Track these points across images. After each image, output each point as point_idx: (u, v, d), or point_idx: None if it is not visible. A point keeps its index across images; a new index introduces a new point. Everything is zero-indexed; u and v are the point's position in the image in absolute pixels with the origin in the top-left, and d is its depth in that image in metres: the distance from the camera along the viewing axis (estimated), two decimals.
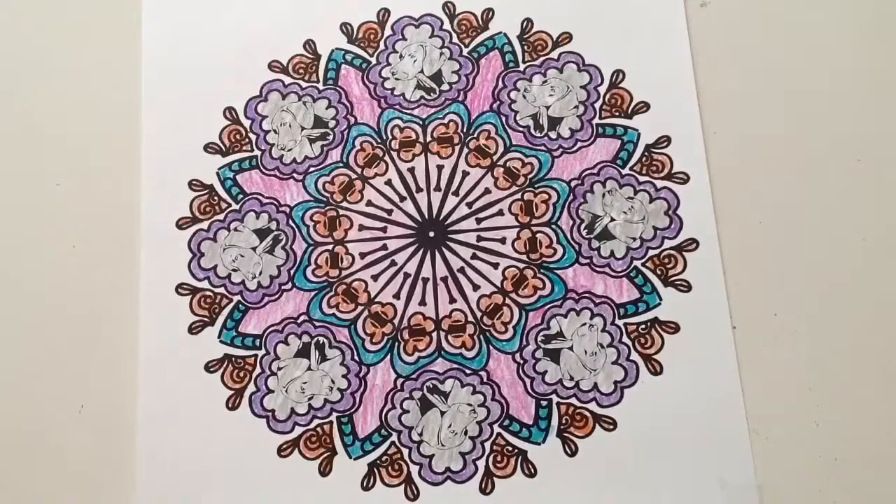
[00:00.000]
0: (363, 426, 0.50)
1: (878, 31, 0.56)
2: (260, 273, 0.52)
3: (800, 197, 0.52)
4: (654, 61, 0.55)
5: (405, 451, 0.49)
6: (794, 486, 0.48)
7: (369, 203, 0.53)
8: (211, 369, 0.51)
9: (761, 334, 0.50)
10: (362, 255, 0.53)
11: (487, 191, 0.53)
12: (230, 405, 0.50)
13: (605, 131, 0.54)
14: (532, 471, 0.49)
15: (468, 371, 0.50)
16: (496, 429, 0.49)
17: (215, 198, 0.54)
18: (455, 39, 0.56)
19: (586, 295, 0.51)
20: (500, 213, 0.53)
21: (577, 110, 0.54)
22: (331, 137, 0.55)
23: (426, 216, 0.53)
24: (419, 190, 0.54)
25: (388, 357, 0.51)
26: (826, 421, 0.49)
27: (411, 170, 0.54)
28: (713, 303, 0.50)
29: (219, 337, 0.51)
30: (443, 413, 0.50)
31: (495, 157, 0.54)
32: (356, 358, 0.51)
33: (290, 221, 0.53)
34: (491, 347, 0.51)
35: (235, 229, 0.53)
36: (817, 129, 0.54)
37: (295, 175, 0.54)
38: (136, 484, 0.49)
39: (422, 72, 0.56)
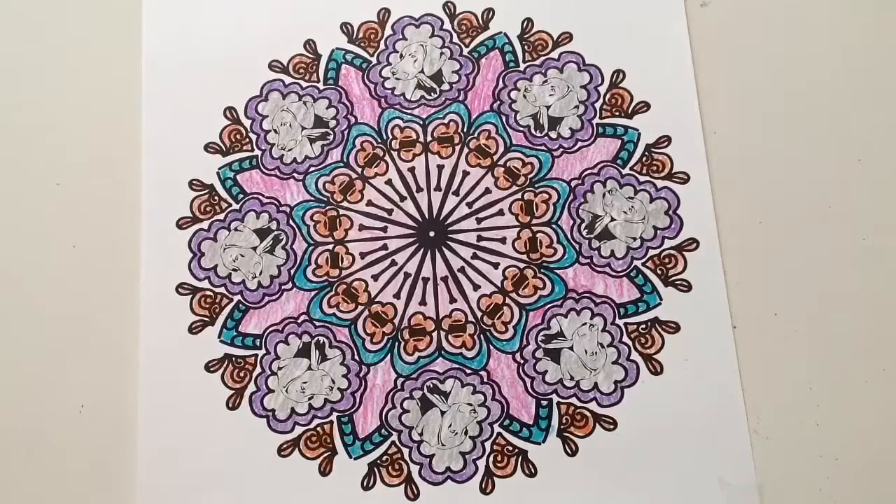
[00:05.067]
0: (363, 426, 0.50)
1: (878, 31, 0.56)
2: (260, 273, 0.52)
3: (800, 197, 0.52)
4: (655, 61, 0.55)
5: (405, 451, 0.49)
6: (794, 486, 0.48)
7: (369, 203, 0.53)
8: (211, 369, 0.51)
9: (761, 334, 0.50)
10: (362, 255, 0.53)
11: (488, 190, 0.53)
12: (230, 405, 0.50)
13: (605, 131, 0.54)
14: (532, 471, 0.49)
15: (468, 371, 0.50)
16: (496, 428, 0.49)
17: (215, 197, 0.54)
18: (455, 39, 0.56)
19: (586, 295, 0.51)
20: (501, 212, 0.53)
21: (578, 110, 0.54)
22: (331, 137, 0.55)
23: (426, 216, 0.53)
24: (419, 190, 0.54)
25: (389, 357, 0.51)
26: (826, 421, 0.49)
27: (412, 169, 0.54)
28: (713, 303, 0.50)
29: (219, 337, 0.51)
30: (443, 413, 0.50)
31: (496, 157, 0.54)
32: (356, 357, 0.51)
33: (291, 221, 0.53)
34: (491, 347, 0.51)
35: (236, 229, 0.53)
36: (817, 129, 0.54)
37: (295, 175, 0.54)
38: (136, 484, 0.49)
39: (422, 71, 0.56)
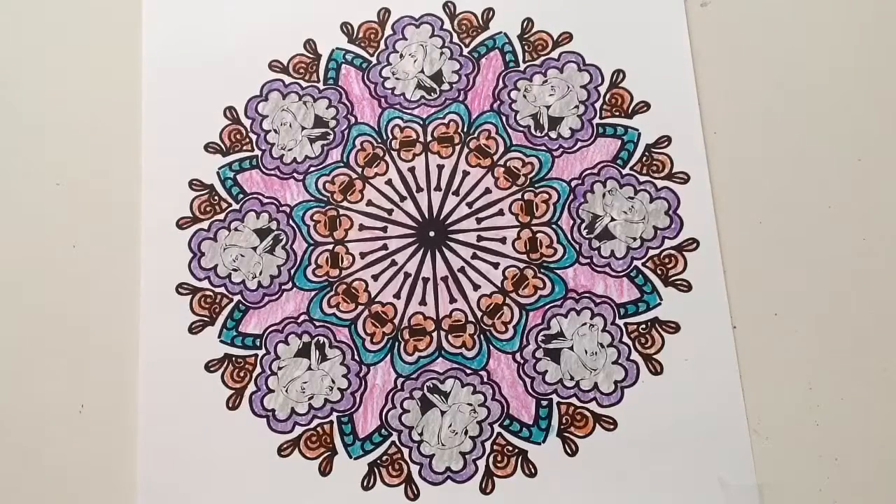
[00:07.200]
0: (363, 426, 0.50)
1: (879, 30, 0.56)
2: (260, 273, 0.52)
3: (800, 197, 0.52)
4: (655, 61, 0.55)
5: (405, 451, 0.49)
6: (794, 486, 0.48)
7: (370, 203, 0.53)
8: (211, 369, 0.51)
9: (761, 334, 0.50)
10: (362, 255, 0.53)
11: (488, 190, 0.53)
12: (230, 405, 0.50)
13: (605, 131, 0.54)
14: (532, 471, 0.49)
15: (468, 371, 0.50)
16: (496, 428, 0.49)
17: (215, 197, 0.54)
18: (455, 39, 0.56)
19: (586, 295, 0.51)
20: (501, 212, 0.53)
21: (578, 110, 0.54)
22: (331, 137, 0.55)
23: (426, 216, 0.53)
24: (419, 190, 0.54)
25: (389, 357, 0.51)
26: (826, 421, 0.49)
27: (412, 169, 0.54)
28: (713, 303, 0.51)
29: (219, 337, 0.51)
30: (443, 413, 0.50)
31: (496, 157, 0.54)
32: (356, 357, 0.51)
33: (291, 221, 0.53)
34: (491, 347, 0.51)
35: (236, 229, 0.53)
36: (817, 129, 0.54)
37: (295, 175, 0.54)
38: (136, 484, 0.49)
39: (422, 71, 0.56)
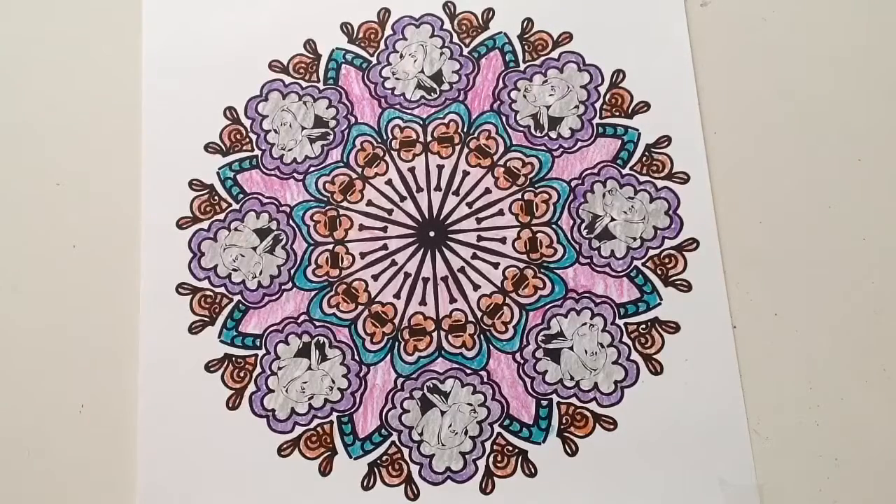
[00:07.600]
0: (363, 426, 0.50)
1: (879, 30, 0.56)
2: (260, 273, 0.52)
3: (800, 197, 0.52)
4: (655, 61, 0.55)
5: (405, 451, 0.49)
6: (794, 486, 0.48)
7: (370, 203, 0.53)
8: (211, 369, 0.51)
9: (761, 334, 0.50)
10: (362, 255, 0.53)
11: (488, 190, 0.53)
12: (230, 405, 0.50)
13: (605, 131, 0.54)
14: (532, 471, 0.49)
15: (468, 371, 0.50)
16: (496, 428, 0.49)
17: (215, 197, 0.54)
18: (455, 39, 0.56)
19: (586, 295, 0.51)
20: (501, 212, 0.53)
21: (578, 110, 0.54)
22: (331, 137, 0.55)
23: (426, 216, 0.53)
24: (419, 190, 0.54)
25: (389, 357, 0.51)
26: (826, 421, 0.49)
27: (412, 169, 0.54)
28: (713, 303, 0.51)
29: (219, 337, 0.51)
30: (443, 413, 0.50)
31: (496, 157, 0.54)
32: (356, 357, 0.51)
33: (291, 221, 0.53)
34: (491, 347, 0.51)
35: (236, 229, 0.53)
36: (817, 129, 0.54)
37: (295, 175, 0.54)
38: (136, 484, 0.49)
39: (422, 71, 0.56)
